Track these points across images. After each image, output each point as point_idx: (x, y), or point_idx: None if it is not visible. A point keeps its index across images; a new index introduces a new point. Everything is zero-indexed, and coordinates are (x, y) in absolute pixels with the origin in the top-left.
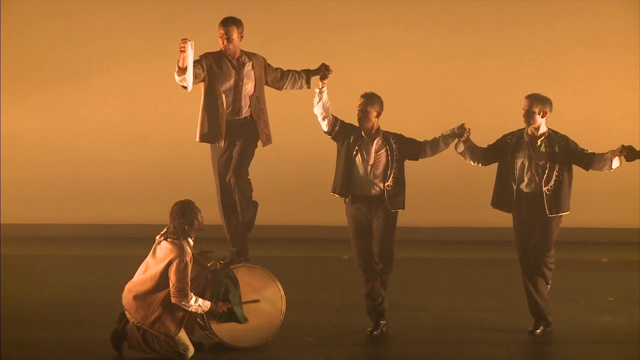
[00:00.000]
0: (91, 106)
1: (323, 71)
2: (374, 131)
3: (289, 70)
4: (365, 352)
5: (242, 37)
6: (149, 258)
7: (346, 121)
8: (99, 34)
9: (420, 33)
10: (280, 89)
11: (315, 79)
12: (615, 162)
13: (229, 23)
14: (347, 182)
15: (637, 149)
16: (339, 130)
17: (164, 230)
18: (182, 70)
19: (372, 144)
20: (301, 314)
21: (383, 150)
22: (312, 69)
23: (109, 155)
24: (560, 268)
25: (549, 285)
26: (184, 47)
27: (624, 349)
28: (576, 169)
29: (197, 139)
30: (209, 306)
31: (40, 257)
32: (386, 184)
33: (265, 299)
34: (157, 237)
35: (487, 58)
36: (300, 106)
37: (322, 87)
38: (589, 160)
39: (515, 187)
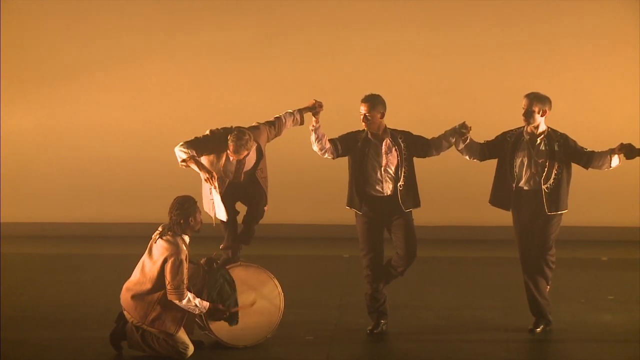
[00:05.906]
0: (91, 105)
1: (316, 108)
2: (381, 132)
3: (282, 116)
4: (365, 351)
5: (252, 145)
6: (145, 256)
7: (346, 118)
8: (99, 33)
9: (421, 31)
10: (280, 135)
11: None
12: (615, 160)
13: (241, 150)
14: (362, 191)
15: (637, 147)
16: (343, 149)
17: (160, 228)
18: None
19: (381, 145)
20: (301, 313)
21: (393, 150)
22: (302, 107)
23: (109, 154)
24: (561, 267)
25: (549, 286)
26: (211, 188)
27: (624, 348)
28: (576, 168)
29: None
30: (207, 307)
31: (41, 256)
32: (399, 185)
33: (262, 297)
34: (154, 235)
35: (487, 56)
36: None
37: (317, 124)
38: (589, 159)
39: (514, 185)
